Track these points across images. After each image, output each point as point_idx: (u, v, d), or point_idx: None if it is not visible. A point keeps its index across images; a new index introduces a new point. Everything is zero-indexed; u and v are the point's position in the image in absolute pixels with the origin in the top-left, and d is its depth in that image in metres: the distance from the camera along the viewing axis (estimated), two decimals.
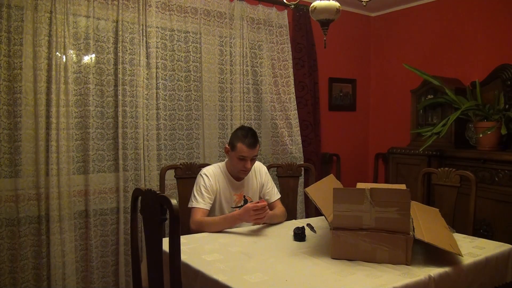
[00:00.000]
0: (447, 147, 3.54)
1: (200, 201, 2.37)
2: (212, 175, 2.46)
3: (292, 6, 2.41)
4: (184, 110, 3.30)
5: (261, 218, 2.23)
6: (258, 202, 2.25)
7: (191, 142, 3.35)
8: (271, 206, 2.56)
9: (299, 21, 3.91)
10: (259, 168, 2.64)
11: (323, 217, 2.43)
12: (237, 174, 2.47)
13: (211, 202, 2.42)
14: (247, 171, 2.45)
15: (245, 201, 2.53)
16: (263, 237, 2.18)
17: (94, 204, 2.92)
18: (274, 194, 2.62)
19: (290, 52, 3.81)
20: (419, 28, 4.22)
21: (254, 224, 2.36)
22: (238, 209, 2.47)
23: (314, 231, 2.25)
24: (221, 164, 2.56)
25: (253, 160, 2.45)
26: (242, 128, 2.53)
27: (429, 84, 3.70)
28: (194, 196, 2.39)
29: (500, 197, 3.08)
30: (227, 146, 2.49)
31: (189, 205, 2.39)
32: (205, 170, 2.48)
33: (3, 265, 2.60)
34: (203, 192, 2.39)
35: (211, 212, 2.44)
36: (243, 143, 2.38)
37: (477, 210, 2.61)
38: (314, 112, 4.04)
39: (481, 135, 3.27)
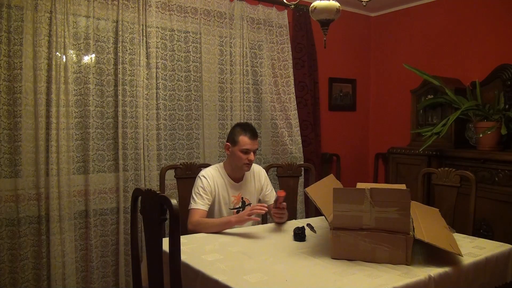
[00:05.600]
0: (447, 147, 3.54)
1: (199, 202, 2.39)
2: (210, 176, 2.47)
3: (292, 6, 2.41)
4: (184, 110, 3.30)
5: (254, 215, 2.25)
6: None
7: (191, 142, 3.35)
8: (271, 207, 2.58)
9: (299, 21, 3.91)
10: (259, 172, 2.65)
11: (323, 217, 2.43)
12: (241, 168, 2.47)
13: (210, 203, 2.44)
14: (250, 163, 2.47)
15: (243, 203, 2.55)
16: (263, 237, 2.18)
17: (94, 204, 2.92)
18: (273, 196, 2.64)
19: (290, 52, 3.81)
20: (419, 28, 4.23)
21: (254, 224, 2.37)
22: (235, 210, 2.50)
23: (314, 231, 2.25)
24: (219, 166, 2.57)
25: (254, 153, 2.47)
26: (239, 124, 2.57)
27: (429, 84, 3.70)
28: (193, 197, 2.42)
29: (500, 197, 3.08)
30: (227, 143, 2.50)
31: (189, 207, 2.42)
32: (203, 172, 2.50)
33: (3, 265, 2.60)
34: (201, 193, 2.41)
35: (210, 213, 2.45)
36: (245, 136, 2.42)
37: (477, 210, 2.61)
38: (314, 112, 4.04)
39: (481, 135, 3.26)
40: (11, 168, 2.64)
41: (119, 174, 2.98)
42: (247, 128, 2.47)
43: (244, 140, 2.42)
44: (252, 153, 2.43)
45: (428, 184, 3.00)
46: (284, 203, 2.38)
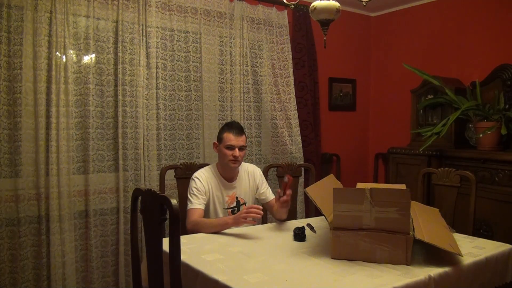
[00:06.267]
0: (447, 147, 3.54)
1: (195, 202, 2.41)
2: (203, 177, 2.49)
3: (292, 6, 2.40)
4: (184, 110, 3.30)
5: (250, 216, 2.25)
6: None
7: (191, 142, 3.35)
8: (269, 204, 2.64)
9: (299, 21, 3.91)
10: (253, 171, 2.66)
11: (323, 217, 2.43)
12: (227, 165, 2.48)
13: (205, 203, 2.46)
14: (236, 160, 2.47)
15: (238, 202, 2.56)
16: (263, 237, 2.18)
17: (94, 204, 2.92)
18: (270, 193, 2.67)
19: (290, 52, 3.81)
20: (419, 28, 4.22)
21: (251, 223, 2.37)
22: (230, 210, 2.52)
23: (314, 231, 2.25)
24: (212, 166, 2.59)
25: (241, 151, 2.48)
26: (226, 123, 2.62)
27: (429, 84, 3.70)
28: (189, 199, 2.44)
29: (500, 197, 3.08)
30: (215, 142, 2.56)
31: (186, 208, 2.43)
32: (196, 174, 2.52)
33: (3, 265, 2.60)
34: (196, 193, 2.43)
35: (205, 214, 2.47)
36: (229, 132, 2.47)
37: (477, 210, 2.61)
38: (314, 112, 4.04)
39: (481, 135, 3.26)
40: (11, 168, 2.64)
41: (119, 174, 2.98)
42: (232, 125, 2.52)
43: (228, 136, 2.46)
44: (237, 150, 2.45)
45: (428, 184, 3.00)
46: (290, 191, 2.38)
